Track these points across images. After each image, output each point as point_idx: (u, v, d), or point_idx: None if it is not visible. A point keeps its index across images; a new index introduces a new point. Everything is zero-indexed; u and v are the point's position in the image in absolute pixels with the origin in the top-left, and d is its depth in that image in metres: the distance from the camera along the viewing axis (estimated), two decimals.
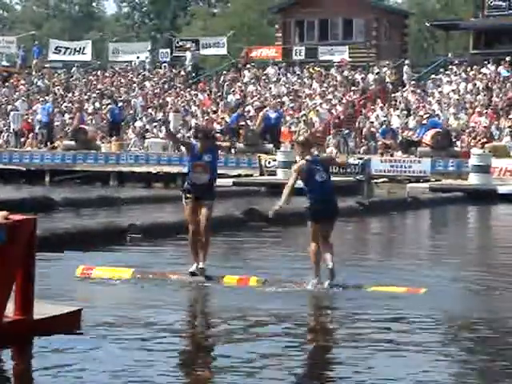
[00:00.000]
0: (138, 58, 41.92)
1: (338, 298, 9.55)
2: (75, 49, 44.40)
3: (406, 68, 36.45)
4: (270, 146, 29.79)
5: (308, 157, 10.19)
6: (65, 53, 44.28)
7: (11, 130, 34.97)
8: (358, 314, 8.66)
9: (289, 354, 7.03)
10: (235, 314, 8.54)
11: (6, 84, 40.94)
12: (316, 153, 11.19)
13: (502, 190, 24.30)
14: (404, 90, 34.53)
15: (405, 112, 31.60)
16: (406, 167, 27.45)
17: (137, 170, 30.56)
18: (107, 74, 41.04)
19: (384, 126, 30.01)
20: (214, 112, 34.25)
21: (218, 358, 6.90)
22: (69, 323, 7.33)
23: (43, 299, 7.52)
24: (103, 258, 11.91)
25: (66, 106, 36.49)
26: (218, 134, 31.90)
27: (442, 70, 36.71)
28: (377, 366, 6.74)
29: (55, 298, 8.45)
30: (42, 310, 7.24)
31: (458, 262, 12.63)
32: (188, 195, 10.63)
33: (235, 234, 15.20)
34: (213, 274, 10.32)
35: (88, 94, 38.42)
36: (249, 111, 33.39)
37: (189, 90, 37.87)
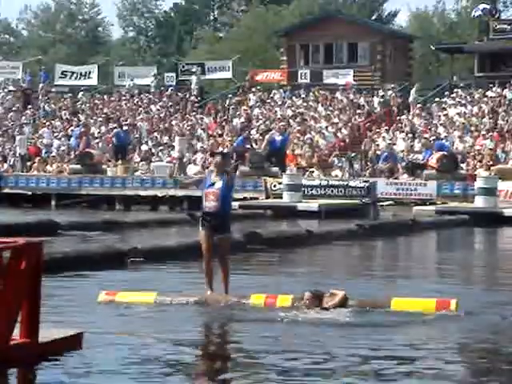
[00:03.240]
0: (131, 80, 42.13)
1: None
2: (81, 73, 44.61)
3: (414, 91, 36.51)
4: (276, 169, 29.81)
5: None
6: (71, 77, 44.49)
7: (17, 154, 35.06)
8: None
9: None
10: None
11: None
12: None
13: (508, 212, 24.23)
14: (409, 113, 34.58)
15: (410, 135, 31.63)
16: (411, 190, 27.43)
17: (142, 193, 30.59)
18: (113, 98, 41.19)
19: (385, 153, 29.97)
20: (220, 135, 34.33)
21: None
22: (72, 345, 7.33)
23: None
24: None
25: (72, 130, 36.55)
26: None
27: (447, 93, 36.77)
28: None
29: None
30: (46, 332, 7.24)
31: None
32: (203, 223, 10.63)
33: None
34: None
35: (94, 117, 38.55)
36: (254, 134, 33.44)
37: (194, 113, 37.98)
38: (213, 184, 10.65)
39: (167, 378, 6.75)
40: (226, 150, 11.12)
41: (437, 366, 7.44)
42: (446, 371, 7.25)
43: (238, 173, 30.37)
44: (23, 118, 39.86)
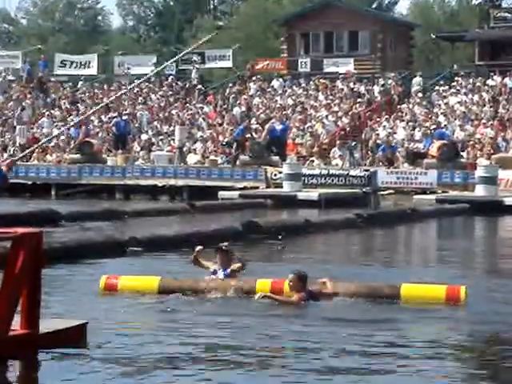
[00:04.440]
0: (128, 68, 42.05)
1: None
2: (81, 62, 44.50)
3: (416, 79, 36.44)
4: (276, 158, 29.77)
5: None
6: (70, 66, 44.38)
7: (17, 144, 35.01)
8: None
9: None
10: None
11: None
12: None
13: (508, 201, 24.20)
14: (410, 101, 34.52)
15: (411, 124, 31.58)
16: (412, 179, 27.39)
17: (142, 182, 30.56)
18: (113, 88, 41.10)
19: (384, 144, 29.93)
20: (220, 125, 34.29)
21: None
22: (74, 337, 7.29)
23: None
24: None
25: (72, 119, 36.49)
26: (224, 146, 32.03)
27: (447, 81, 36.69)
28: None
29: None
30: (48, 323, 7.21)
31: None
32: None
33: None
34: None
35: (93, 107, 38.45)
36: (254, 123, 33.39)
37: (194, 102, 37.91)
38: (214, 272, 10.47)
39: (171, 368, 6.72)
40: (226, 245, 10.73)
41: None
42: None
43: (238, 162, 30.40)
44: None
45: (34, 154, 34.07)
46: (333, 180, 27.35)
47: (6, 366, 6.55)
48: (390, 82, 36.46)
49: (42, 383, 6.45)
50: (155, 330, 8.33)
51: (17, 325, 6.94)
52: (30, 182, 32.02)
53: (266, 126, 31.26)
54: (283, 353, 7.48)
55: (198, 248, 10.59)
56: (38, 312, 7.01)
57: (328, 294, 9.73)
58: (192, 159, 31.51)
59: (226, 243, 10.55)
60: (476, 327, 8.54)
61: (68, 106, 39.02)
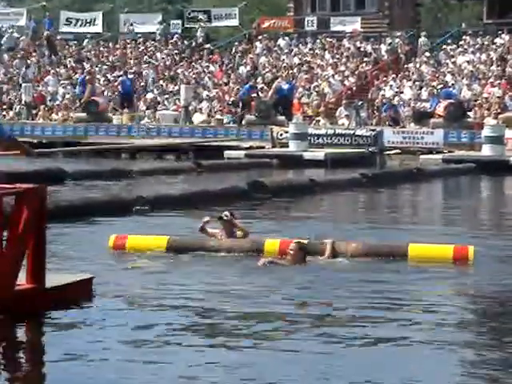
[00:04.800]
0: (131, 25, 41.83)
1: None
2: (86, 20, 44.26)
3: (422, 39, 36.19)
4: (282, 117, 29.68)
5: None
6: (76, 24, 44.15)
7: (23, 102, 34.94)
8: None
9: None
10: None
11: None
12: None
13: None
14: (417, 60, 34.31)
15: (417, 83, 31.42)
16: (418, 138, 27.33)
17: (148, 142, 30.53)
18: (118, 46, 40.90)
19: (387, 103, 29.86)
20: (226, 84, 34.15)
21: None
22: (80, 292, 7.34)
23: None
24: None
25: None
26: (230, 106, 31.94)
27: (455, 40, 36.42)
28: None
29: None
30: (54, 278, 7.25)
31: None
32: None
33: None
34: None
35: (99, 65, 38.33)
36: (260, 83, 33.25)
37: (200, 61, 37.74)
38: None
39: (175, 325, 6.76)
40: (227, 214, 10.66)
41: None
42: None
43: (244, 122, 30.32)
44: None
45: (40, 113, 34.04)
46: (339, 140, 27.28)
47: (13, 321, 6.59)
48: (397, 40, 36.20)
49: (49, 337, 6.49)
50: (162, 287, 8.37)
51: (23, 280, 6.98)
52: (35, 141, 32.01)
53: (273, 86, 31.12)
54: (285, 313, 7.51)
55: (206, 219, 10.58)
56: (44, 267, 7.05)
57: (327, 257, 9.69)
58: (198, 118, 31.45)
59: (226, 212, 10.51)
60: (484, 287, 8.52)
61: (73, 64, 38.87)
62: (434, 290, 8.44)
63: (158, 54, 39.10)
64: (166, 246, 10.15)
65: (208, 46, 39.48)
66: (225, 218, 10.41)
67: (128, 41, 41.03)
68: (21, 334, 6.59)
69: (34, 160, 23.27)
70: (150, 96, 34.06)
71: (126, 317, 6.95)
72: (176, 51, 39.15)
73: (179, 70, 36.54)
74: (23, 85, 35.60)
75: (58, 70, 38.14)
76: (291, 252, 9.44)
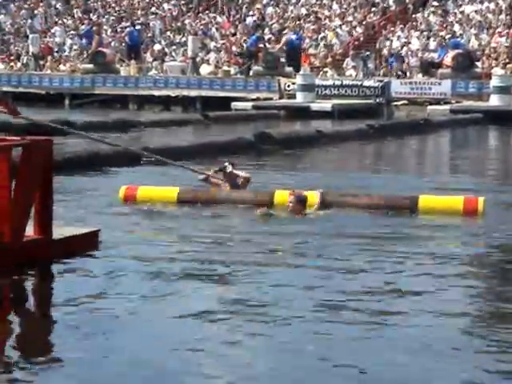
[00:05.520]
0: None
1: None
2: None
3: None
4: (290, 69, 29.60)
5: None
6: None
7: (30, 53, 34.90)
8: None
9: None
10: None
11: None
12: None
13: None
14: (425, 10, 34.04)
15: (425, 33, 31.23)
16: (426, 89, 27.25)
17: (156, 93, 30.53)
18: None
19: (393, 55, 29.73)
20: (233, 35, 34.00)
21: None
22: (87, 243, 7.46)
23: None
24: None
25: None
26: (237, 57, 31.83)
27: None
28: None
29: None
30: (61, 231, 7.37)
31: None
32: None
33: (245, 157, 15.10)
34: None
35: (106, 16, 38.18)
36: (268, 33, 33.08)
37: (207, 12, 37.54)
38: None
39: (183, 279, 6.84)
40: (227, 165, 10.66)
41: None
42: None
43: (251, 73, 30.25)
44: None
45: (47, 64, 34.01)
46: (346, 91, 27.25)
47: (22, 272, 6.71)
48: None
49: (56, 289, 6.60)
50: (169, 238, 8.47)
51: (30, 232, 7.10)
52: (43, 92, 32.05)
53: (283, 39, 31.01)
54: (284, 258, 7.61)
55: (211, 172, 10.62)
56: (51, 218, 7.15)
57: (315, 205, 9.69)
58: (205, 70, 31.38)
59: (226, 164, 10.55)
60: (495, 239, 8.54)
61: (80, 15, 38.72)
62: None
63: (165, 5, 38.90)
64: (177, 198, 10.22)
65: None
66: (227, 170, 10.48)
67: None
68: (27, 282, 6.72)
69: (40, 111, 23.36)
70: (157, 47, 33.97)
71: (129, 268, 7.05)
72: (183, 2, 38.93)
73: (186, 21, 36.37)
74: (30, 36, 35.53)
75: (65, 20, 38.01)
76: (290, 204, 9.51)
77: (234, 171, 10.58)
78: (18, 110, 8.72)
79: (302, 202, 9.53)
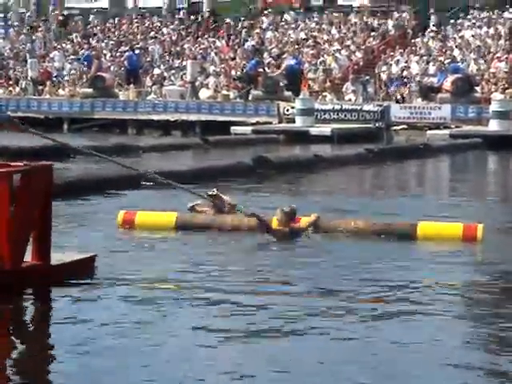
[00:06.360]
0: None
1: None
2: None
3: (431, 13, 35.98)
4: (289, 93, 29.61)
5: None
6: None
7: (29, 78, 34.90)
8: None
9: None
10: None
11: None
12: None
13: None
14: (424, 35, 34.13)
15: (425, 58, 31.28)
16: (425, 114, 27.25)
17: (155, 117, 30.51)
18: (124, 21, 40.78)
19: (393, 79, 29.80)
20: (232, 59, 34.05)
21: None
22: (84, 269, 7.39)
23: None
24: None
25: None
26: (236, 81, 31.85)
27: (463, 14, 36.18)
28: None
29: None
30: (59, 256, 7.30)
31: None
32: None
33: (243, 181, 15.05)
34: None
35: (105, 41, 38.25)
36: (267, 58, 33.13)
37: (206, 36, 37.62)
38: None
39: (180, 304, 6.79)
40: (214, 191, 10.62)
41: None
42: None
43: (250, 97, 30.24)
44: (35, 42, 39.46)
45: (46, 88, 34.01)
46: (345, 115, 27.24)
47: (20, 298, 6.64)
48: (404, 15, 36.02)
49: (53, 314, 6.54)
50: (168, 263, 8.39)
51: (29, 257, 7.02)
52: (42, 116, 32.03)
53: (284, 64, 31.06)
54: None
55: (194, 204, 10.53)
56: (49, 244, 7.08)
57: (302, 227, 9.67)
58: (204, 94, 31.39)
59: (214, 189, 10.48)
60: (493, 266, 8.47)
61: (80, 40, 38.79)
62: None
63: (164, 29, 38.98)
64: (175, 223, 10.15)
65: (214, 21, 39.31)
66: (211, 194, 10.41)
67: (134, 16, 40.91)
68: (25, 306, 6.65)
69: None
70: (156, 71, 34.00)
71: (125, 293, 6.98)
72: (182, 26, 39.03)
73: (185, 46, 36.43)
74: (29, 60, 35.55)
75: (63, 45, 38.08)
76: (277, 218, 9.52)
77: (221, 196, 10.53)
78: (31, 129, 8.70)
79: (287, 215, 9.55)
